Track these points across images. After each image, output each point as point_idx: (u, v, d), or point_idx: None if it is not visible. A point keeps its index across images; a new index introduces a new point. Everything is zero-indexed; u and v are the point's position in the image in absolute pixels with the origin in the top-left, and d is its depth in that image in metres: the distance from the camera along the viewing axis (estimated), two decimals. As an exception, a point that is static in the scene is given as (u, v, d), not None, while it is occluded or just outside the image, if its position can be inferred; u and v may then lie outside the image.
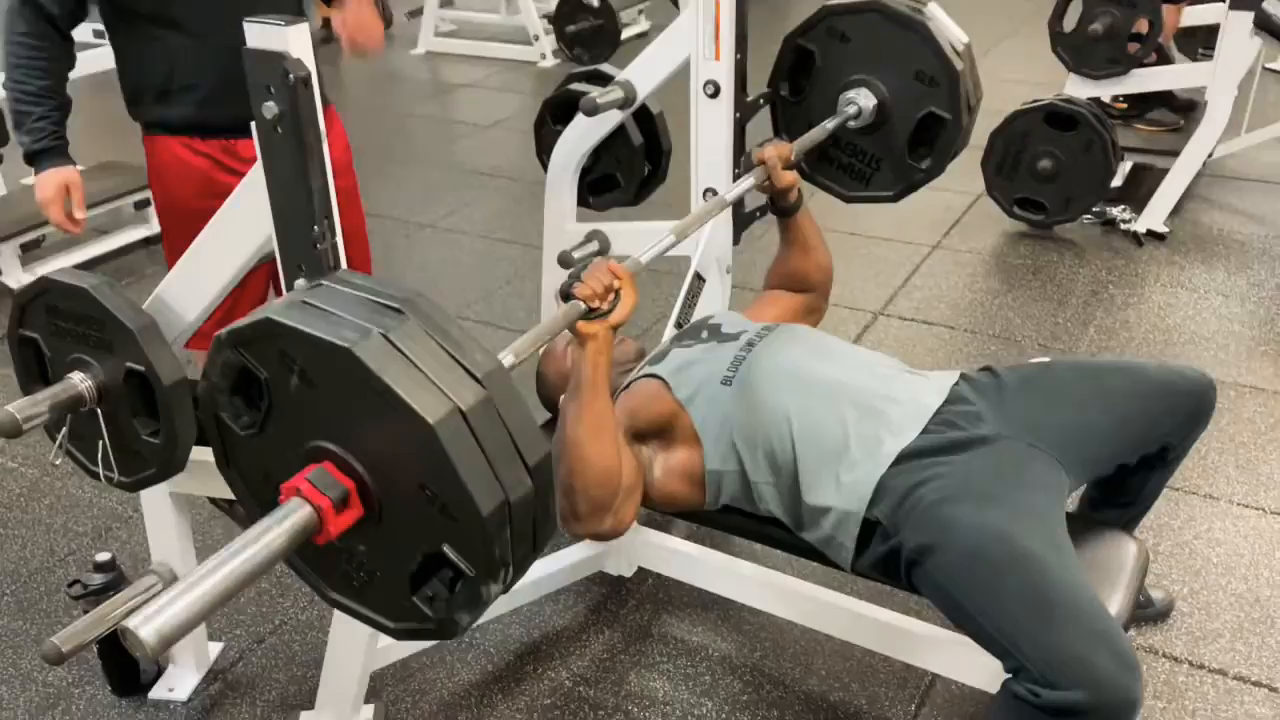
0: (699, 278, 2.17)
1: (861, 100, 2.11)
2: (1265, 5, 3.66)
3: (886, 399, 1.64)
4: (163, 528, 1.93)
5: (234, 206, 1.48)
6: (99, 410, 1.55)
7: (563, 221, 2.38)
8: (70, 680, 2.09)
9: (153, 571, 1.93)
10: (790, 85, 2.23)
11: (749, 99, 2.13)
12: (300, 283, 1.38)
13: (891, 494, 1.54)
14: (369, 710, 1.96)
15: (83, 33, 2.11)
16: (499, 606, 2.00)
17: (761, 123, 2.20)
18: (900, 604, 1.99)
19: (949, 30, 2.09)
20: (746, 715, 1.98)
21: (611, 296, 1.48)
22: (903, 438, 1.58)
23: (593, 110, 2.10)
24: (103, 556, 1.96)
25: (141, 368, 1.48)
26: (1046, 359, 1.82)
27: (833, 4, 2.13)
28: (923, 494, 1.51)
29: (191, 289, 1.59)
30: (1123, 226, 3.86)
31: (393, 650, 1.97)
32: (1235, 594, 2.22)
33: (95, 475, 1.63)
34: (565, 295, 1.72)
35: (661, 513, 1.93)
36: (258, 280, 2.13)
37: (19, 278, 3.66)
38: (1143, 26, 3.76)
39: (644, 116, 2.33)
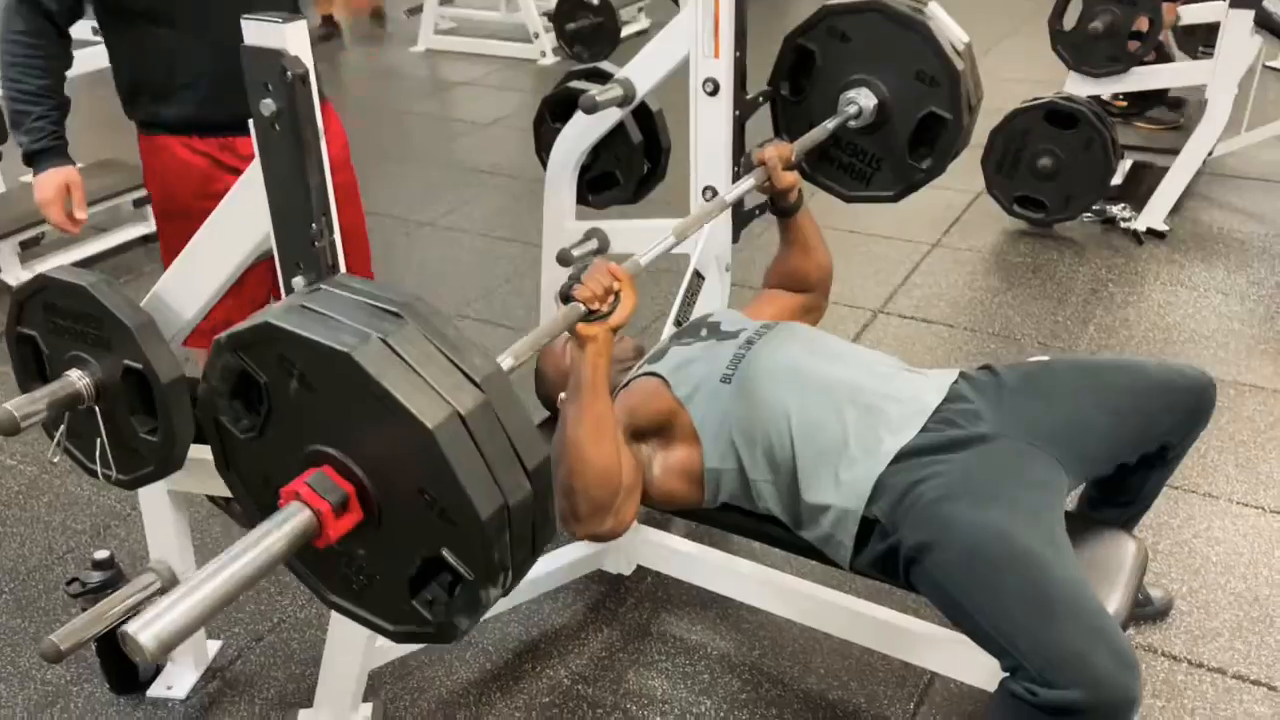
0: (698, 275, 2.17)
1: (862, 100, 2.11)
2: (1265, 3, 3.66)
3: (886, 397, 1.63)
4: (161, 525, 1.93)
5: (232, 204, 1.48)
6: (97, 408, 1.55)
7: (562, 219, 2.38)
8: (69, 678, 2.09)
9: (151, 569, 1.92)
10: (790, 85, 2.22)
11: (748, 97, 2.13)
12: (299, 284, 1.38)
13: (890, 492, 1.54)
14: (367, 708, 1.96)
15: (81, 30, 2.10)
16: (498, 604, 1.99)
17: (761, 122, 2.20)
18: (899, 602, 2.00)
19: (950, 30, 2.08)
20: (745, 713, 1.98)
21: (611, 298, 1.48)
22: (902, 436, 1.58)
23: (592, 108, 2.10)
24: (101, 554, 1.97)
25: (139, 365, 1.48)
26: (1046, 357, 1.82)
27: (833, 3, 2.12)
28: (922, 492, 1.51)
29: (189, 287, 1.59)
30: (1123, 224, 3.86)
31: (391, 649, 1.97)
32: (1234, 593, 2.22)
33: (93, 473, 1.63)
34: (565, 297, 1.72)
35: (660, 511, 1.93)
36: (256, 278, 2.12)
37: (18, 275, 3.65)
38: (1143, 24, 3.76)
39: (643, 114, 2.32)
